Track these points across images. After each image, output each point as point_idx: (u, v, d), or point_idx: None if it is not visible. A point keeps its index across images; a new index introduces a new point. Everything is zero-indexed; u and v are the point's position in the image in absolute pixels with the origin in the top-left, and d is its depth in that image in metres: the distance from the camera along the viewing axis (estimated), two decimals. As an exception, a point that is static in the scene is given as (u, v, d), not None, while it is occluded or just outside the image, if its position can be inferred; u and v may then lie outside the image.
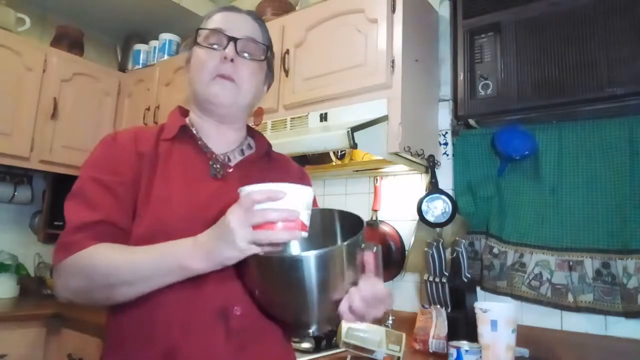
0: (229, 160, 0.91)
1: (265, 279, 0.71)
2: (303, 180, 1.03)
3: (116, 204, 0.79)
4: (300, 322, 0.74)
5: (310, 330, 0.75)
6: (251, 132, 1.00)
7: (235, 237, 0.64)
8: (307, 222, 0.68)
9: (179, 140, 0.88)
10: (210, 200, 0.81)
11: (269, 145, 0.99)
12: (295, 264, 0.66)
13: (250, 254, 0.66)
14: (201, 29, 0.89)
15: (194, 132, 0.90)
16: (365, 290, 0.69)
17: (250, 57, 0.88)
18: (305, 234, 0.68)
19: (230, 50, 0.85)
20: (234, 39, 0.86)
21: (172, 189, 0.81)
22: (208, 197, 0.82)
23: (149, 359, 0.75)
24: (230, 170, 0.88)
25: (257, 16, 0.94)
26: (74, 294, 0.77)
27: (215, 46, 0.87)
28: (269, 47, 0.94)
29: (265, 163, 0.96)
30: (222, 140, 0.92)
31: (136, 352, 0.77)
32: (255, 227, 0.65)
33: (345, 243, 0.69)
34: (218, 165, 0.87)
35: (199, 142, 0.89)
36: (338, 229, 0.83)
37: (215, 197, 0.82)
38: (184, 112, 0.97)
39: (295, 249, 0.83)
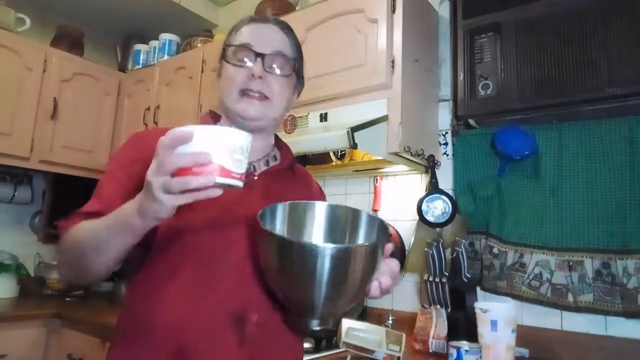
0: (254, 169, 0.91)
1: (279, 259, 0.71)
2: (322, 196, 1.05)
3: (122, 198, 0.78)
4: (305, 310, 0.74)
5: (312, 323, 0.75)
6: (278, 142, 1.00)
7: (151, 187, 0.60)
8: (235, 168, 0.62)
9: None
10: (234, 205, 0.81)
11: (293, 160, 0.99)
12: (311, 252, 0.66)
13: (172, 206, 0.62)
14: (229, 45, 0.89)
15: None
16: (392, 267, 0.76)
17: (279, 72, 0.88)
18: (231, 182, 0.61)
19: (258, 67, 0.85)
20: (261, 55, 0.86)
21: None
22: (231, 202, 0.80)
23: (158, 358, 0.75)
24: (255, 178, 0.88)
25: (285, 25, 0.94)
26: (64, 270, 0.81)
27: (243, 62, 0.87)
28: (297, 58, 0.93)
29: (288, 176, 0.97)
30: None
31: (146, 351, 0.77)
32: (173, 175, 0.60)
33: (365, 244, 0.70)
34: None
35: None
36: (365, 231, 0.83)
37: (239, 202, 0.81)
38: (215, 117, 0.97)
39: (318, 241, 0.83)
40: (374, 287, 0.74)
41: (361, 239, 0.81)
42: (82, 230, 0.75)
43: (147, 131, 0.91)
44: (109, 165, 0.87)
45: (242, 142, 0.63)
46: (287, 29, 0.94)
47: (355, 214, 0.82)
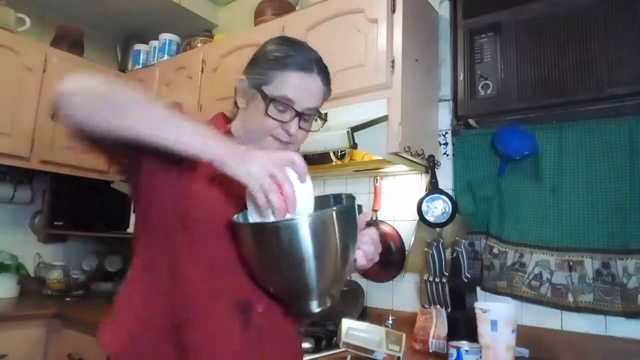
0: None
1: (262, 249, 0.74)
2: None
3: None
4: (300, 293, 0.76)
5: (312, 305, 0.76)
6: None
7: (263, 160, 0.70)
8: (285, 214, 0.71)
9: None
10: (241, 199, 0.85)
11: None
12: (289, 228, 0.69)
13: (246, 179, 0.69)
14: (274, 100, 0.88)
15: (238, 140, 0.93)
16: (371, 235, 0.82)
17: (308, 126, 0.94)
18: (285, 216, 0.71)
19: (293, 127, 0.89)
20: (300, 115, 0.89)
21: (209, 185, 0.83)
22: (240, 196, 0.85)
23: (164, 325, 0.78)
24: None
25: (327, 74, 0.95)
26: (80, 110, 0.74)
27: (280, 116, 0.89)
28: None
29: None
30: None
31: (153, 317, 0.79)
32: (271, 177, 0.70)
33: (335, 208, 0.75)
34: None
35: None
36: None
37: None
38: (226, 119, 1.00)
39: None
40: (360, 256, 0.80)
41: None
42: (137, 91, 0.75)
43: None
44: None
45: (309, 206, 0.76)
46: (327, 79, 0.96)
47: (323, 199, 0.87)
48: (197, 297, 0.79)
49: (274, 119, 0.88)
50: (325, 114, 1.00)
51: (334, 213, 0.73)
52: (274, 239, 0.70)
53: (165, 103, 0.77)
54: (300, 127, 0.90)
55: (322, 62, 0.95)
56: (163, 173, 0.81)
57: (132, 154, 0.78)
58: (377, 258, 0.84)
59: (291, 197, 0.70)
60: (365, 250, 0.80)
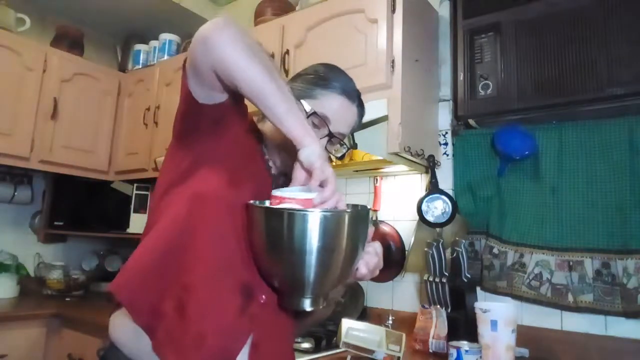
0: (272, 166, 0.98)
1: (271, 233, 0.75)
2: None
3: None
4: (296, 287, 0.77)
5: (304, 303, 0.77)
6: None
7: (318, 145, 0.77)
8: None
9: (247, 133, 0.94)
10: (264, 182, 0.92)
11: None
12: (303, 218, 0.70)
13: (314, 158, 0.75)
14: (314, 114, 0.92)
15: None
16: (376, 248, 0.85)
17: (331, 149, 0.97)
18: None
19: (320, 146, 0.90)
20: (331, 136, 0.93)
21: (235, 165, 0.87)
22: (263, 180, 0.92)
23: (165, 291, 0.78)
24: (274, 173, 0.96)
25: (363, 107, 1.02)
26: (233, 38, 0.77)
27: (314, 127, 0.91)
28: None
29: None
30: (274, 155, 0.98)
31: (156, 281, 0.79)
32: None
33: (351, 210, 0.76)
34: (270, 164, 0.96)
35: (262, 143, 0.96)
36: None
37: (267, 184, 0.92)
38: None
39: None
40: (361, 265, 0.81)
41: None
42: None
43: None
44: None
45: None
46: (362, 113, 1.02)
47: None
48: (205, 262, 0.79)
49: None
50: (355, 143, 1.05)
51: (347, 215, 0.75)
52: (285, 225, 0.71)
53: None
54: (325, 149, 0.92)
55: (361, 98, 1.01)
56: (223, 124, 0.86)
57: (230, 91, 0.83)
58: (377, 272, 0.85)
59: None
60: (368, 260, 0.82)
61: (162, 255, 0.81)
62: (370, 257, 0.82)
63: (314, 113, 0.91)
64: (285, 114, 0.76)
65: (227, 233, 0.82)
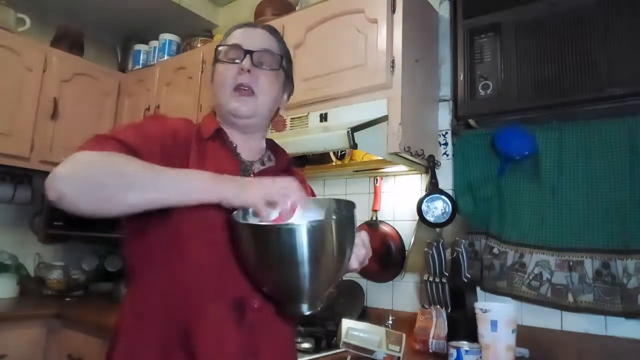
0: (251, 169, 0.96)
1: (260, 249, 0.75)
2: None
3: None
4: (293, 295, 0.77)
5: (302, 308, 0.78)
6: (272, 146, 1.05)
7: (253, 186, 0.76)
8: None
9: (212, 141, 0.93)
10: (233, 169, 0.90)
11: (291, 161, 1.05)
12: (289, 232, 0.70)
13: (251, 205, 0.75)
14: (221, 45, 0.96)
15: (228, 135, 0.95)
16: (363, 238, 0.85)
17: (266, 67, 0.94)
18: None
19: (246, 62, 0.91)
20: (250, 52, 0.92)
21: None
22: (233, 167, 0.90)
23: (165, 334, 0.78)
24: (252, 176, 0.94)
25: (274, 29, 1.01)
26: (80, 181, 0.70)
27: (233, 60, 0.93)
28: (284, 56, 0.99)
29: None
30: (246, 148, 0.97)
31: (153, 327, 0.79)
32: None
33: (335, 217, 0.78)
34: (247, 169, 0.94)
35: (233, 146, 0.95)
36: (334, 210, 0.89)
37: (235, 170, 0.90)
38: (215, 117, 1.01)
39: None
40: (353, 259, 0.82)
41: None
42: (130, 160, 0.73)
43: (167, 117, 0.95)
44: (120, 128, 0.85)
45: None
46: (274, 32, 1.00)
47: (323, 202, 0.88)
48: (194, 297, 0.79)
49: (225, 62, 0.93)
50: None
51: (333, 223, 0.76)
52: (273, 242, 0.72)
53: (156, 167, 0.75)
54: (255, 65, 0.92)
55: (268, 25, 1.02)
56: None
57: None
58: (367, 262, 0.87)
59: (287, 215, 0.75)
60: (357, 253, 0.83)
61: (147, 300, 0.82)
62: (358, 248, 0.83)
63: (221, 46, 0.94)
64: (191, 190, 0.73)
65: (210, 253, 0.81)
